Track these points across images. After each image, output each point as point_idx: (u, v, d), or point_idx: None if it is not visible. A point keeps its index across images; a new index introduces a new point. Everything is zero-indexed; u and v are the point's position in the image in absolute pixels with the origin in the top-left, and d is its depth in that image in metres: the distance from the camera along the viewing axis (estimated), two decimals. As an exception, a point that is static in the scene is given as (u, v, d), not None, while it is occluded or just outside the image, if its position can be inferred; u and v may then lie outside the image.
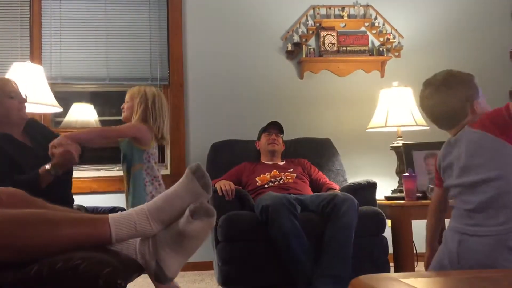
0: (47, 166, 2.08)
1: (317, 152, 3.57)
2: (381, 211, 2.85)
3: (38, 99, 3.06)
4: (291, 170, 3.23)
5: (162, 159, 3.89)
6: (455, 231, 1.58)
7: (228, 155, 3.47)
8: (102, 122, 4.04)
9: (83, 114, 4.04)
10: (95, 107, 4.06)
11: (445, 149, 1.68)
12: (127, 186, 2.45)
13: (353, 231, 2.66)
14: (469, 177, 1.55)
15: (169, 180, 3.68)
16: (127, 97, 2.55)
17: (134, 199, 2.36)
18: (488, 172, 1.51)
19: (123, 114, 2.55)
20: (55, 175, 2.09)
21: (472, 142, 1.57)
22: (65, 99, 3.90)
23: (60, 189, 2.20)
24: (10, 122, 2.26)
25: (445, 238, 1.64)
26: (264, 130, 3.38)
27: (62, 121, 4.03)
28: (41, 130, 2.46)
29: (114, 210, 2.46)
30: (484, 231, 1.49)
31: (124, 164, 2.46)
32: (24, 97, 2.32)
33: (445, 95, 1.65)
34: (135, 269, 1.51)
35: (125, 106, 2.55)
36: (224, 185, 2.88)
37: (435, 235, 1.80)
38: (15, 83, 2.33)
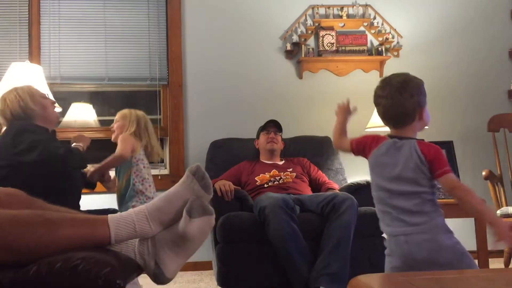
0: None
1: (316, 150, 3.56)
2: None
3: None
4: (291, 169, 3.23)
5: (161, 159, 3.89)
6: (396, 235, 1.72)
7: (227, 154, 3.47)
8: (101, 121, 4.03)
9: (82, 113, 4.04)
10: (94, 106, 4.06)
11: (387, 149, 1.78)
12: (120, 190, 2.68)
13: (352, 230, 2.65)
14: (401, 186, 1.71)
15: (168, 180, 3.71)
16: (117, 117, 2.79)
17: (129, 200, 2.61)
18: (417, 187, 1.71)
19: (113, 135, 2.76)
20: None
21: (413, 158, 1.72)
22: (64, 99, 3.90)
23: (77, 195, 2.48)
24: (47, 119, 2.43)
25: (389, 246, 1.76)
26: (262, 128, 3.38)
27: (61, 120, 4.03)
28: None
29: (107, 211, 2.49)
30: (422, 229, 1.69)
31: (116, 173, 2.72)
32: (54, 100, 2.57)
33: (402, 98, 1.77)
34: (134, 270, 1.51)
35: (115, 125, 2.76)
36: (223, 185, 2.88)
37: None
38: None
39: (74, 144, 2.45)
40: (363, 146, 1.88)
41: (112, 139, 2.77)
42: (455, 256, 1.69)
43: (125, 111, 2.82)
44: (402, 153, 1.75)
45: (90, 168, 2.59)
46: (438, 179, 1.72)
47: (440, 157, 1.72)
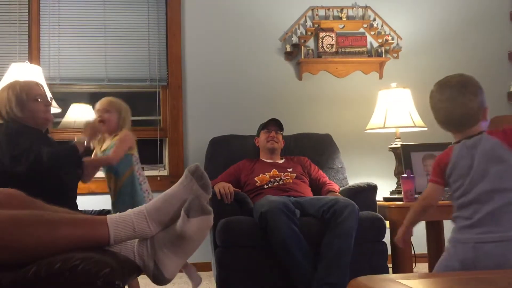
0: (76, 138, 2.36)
1: (317, 149, 3.52)
2: (381, 216, 2.83)
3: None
4: (291, 169, 3.21)
5: (160, 160, 3.89)
6: (465, 242, 1.62)
7: (227, 152, 3.45)
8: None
9: (82, 114, 4.04)
10: (93, 107, 4.06)
11: (461, 151, 1.69)
12: (116, 190, 2.55)
13: (353, 238, 2.61)
14: (481, 187, 1.60)
15: (168, 180, 3.71)
16: (105, 105, 2.63)
17: (135, 201, 2.47)
18: (500, 182, 1.57)
19: (104, 126, 2.56)
20: (82, 143, 2.34)
21: (488, 150, 1.63)
22: (64, 99, 3.89)
23: (66, 199, 2.36)
24: (36, 123, 2.37)
25: (453, 248, 1.66)
26: (263, 127, 3.36)
27: (60, 121, 4.03)
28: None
29: (102, 212, 2.50)
30: (498, 237, 1.55)
31: (111, 170, 2.56)
32: (49, 99, 2.46)
33: (466, 99, 1.69)
34: (133, 270, 1.51)
35: (105, 116, 2.60)
36: (223, 187, 2.86)
37: (417, 222, 1.85)
38: (41, 86, 2.45)
39: (76, 140, 2.35)
40: (439, 167, 1.76)
41: (102, 131, 2.54)
42: None
43: (111, 98, 2.67)
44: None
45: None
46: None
47: None
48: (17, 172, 2.15)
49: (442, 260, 1.70)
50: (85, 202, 2.60)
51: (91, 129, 2.41)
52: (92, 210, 2.60)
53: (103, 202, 2.90)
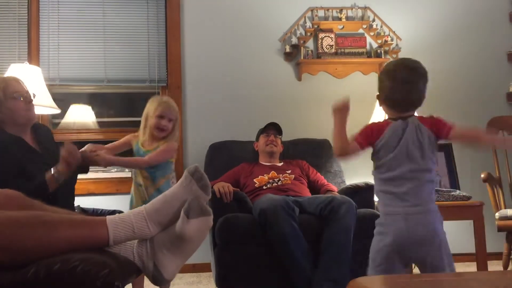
0: (52, 171, 2.09)
1: (315, 153, 3.56)
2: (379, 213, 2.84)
3: (36, 100, 3.05)
4: (289, 171, 3.23)
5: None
6: (395, 214, 1.76)
7: (226, 156, 3.47)
8: (100, 123, 4.03)
9: (81, 115, 4.04)
10: (93, 108, 4.06)
11: (396, 130, 1.81)
12: (148, 193, 2.50)
13: (351, 234, 2.65)
14: (406, 165, 1.76)
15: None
16: (175, 113, 2.60)
17: None
18: (425, 163, 1.77)
19: (163, 133, 2.56)
20: (58, 179, 2.08)
21: (418, 135, 1.79)
22: (63, 100, 3.90)
23: (63, 200, 2.19)
24: (16, 123, 2.18)
25: (385, 223, 1.81)
26: (262, 131, 3.38)
27: (60, 122, 4.03)
28: (46, 134, 2.42)
29: (113, 213, 2.47)
30: (422, 209, 1.74)
31: (151, 173, 2.51)
32: (31, 96, 2.25)
33: (422, 85, 1.85)
34: (133, 271, 1.51)
35: (169, 126, 2.57)
36: (222, 187, 2.88)
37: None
38: (20, 82, 2.25)
39: (52, 175, 2.08)
40: (370, 133, 1.87)
41: (159, 136, 2.55)
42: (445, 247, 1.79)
43: (176, 106, 2.63)
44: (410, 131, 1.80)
45: (100, 152, 2.33)
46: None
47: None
48: None
49: (376, 238, 1.82)
50: (82, 204, 2.60)
51: (66, 164, 2.11)
52: (101, 210, 2.55)
53: (100, 204, 2.89)
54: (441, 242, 1.75)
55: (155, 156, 2.49)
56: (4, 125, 2.16)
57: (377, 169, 1.85)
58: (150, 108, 2.60)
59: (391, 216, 1.78)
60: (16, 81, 2.23)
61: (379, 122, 1.87)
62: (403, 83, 1.81)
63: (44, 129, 2.46)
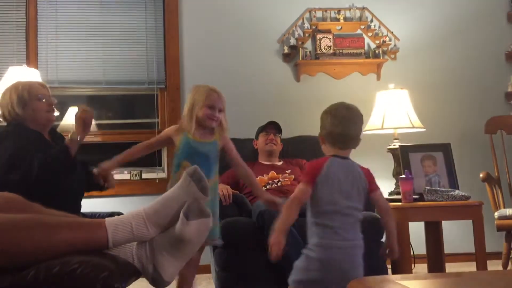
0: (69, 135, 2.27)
1: (315, 151, 3.53)
2: (379, 216, 2.84)
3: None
4: (289, 171, 3.22)
5: (159, 163, 3.89)
6: (329, 247, 1.87)
7: (225, 156, 3.45)
8: (99, 125, 4.03)
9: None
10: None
11: (337, 166, 1.94)
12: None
13: None
14: (347, 202, 1.89)
15: (166, 183, 3.69)
16: (224, 104, 2.50)
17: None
18: (358, 203, 1.92)
19: (215, 123, 2.43)
20: (75, 141, 2.23)
21: (356, 175, 1.95)
22: (61, 102, 3.88)
23: (73, 199, 2.41)
24: (38, 123, 2.37)
25: (314, 252, 1.91)
26: (262, 129, 3.38)
27: (58, 125, 4.02)
28: (59, 141, 2.52)
29: (112, 215, 2.47)
30: (349, 244, 1.87)
31: (214, 171, 2.41)
32: (53, 101, 2.45)
33: (359, 123, 2.01)
34: (132, 273, 1.51)
35: (221, 117, 2.48)
36: (221, 189, 2.87)
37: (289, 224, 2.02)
38: (45, 87, 2.46)
39: (69, 138, 2.25)
40: (312, 171, 1.95)
41: (211, 126, 2.41)
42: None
43: (222, 94, 2.49)
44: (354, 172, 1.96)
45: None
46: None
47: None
48: (11, 181, 2.12)
49: (302, 265, 1.92)
50: (82, 206, 2.60)
51: (82, 122, 2.24)
52: (99, 213, 2.58)
53: (100, 206, 2.89)
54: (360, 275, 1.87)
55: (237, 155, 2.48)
56: (26, 122, 2.35)
57: (313, 203, 1.94)
58: (198, 97, 2.40)
59: (323, 248, 1.88)
60: (41, 85, 2.45)
61: (317, 160, 1.98)
62: (343, 119, 1.97)
63: (59, 135, 2.61)
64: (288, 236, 2.59)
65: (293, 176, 3.19)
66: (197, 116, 2.36)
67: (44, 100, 2.38)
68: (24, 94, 2.34)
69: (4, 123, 2.42)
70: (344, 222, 1.87)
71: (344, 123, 1.96)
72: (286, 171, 3.22)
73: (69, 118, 4.01)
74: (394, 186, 3.37)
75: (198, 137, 2.37)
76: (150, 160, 3.86)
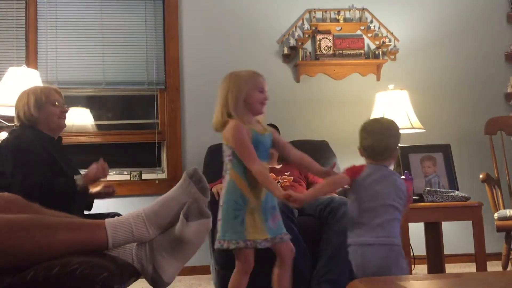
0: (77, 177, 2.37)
1: (313, 155, 3.52)
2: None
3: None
4: (288, 173, 3.22)
5: (158, 163, 3.89)
6: (360, 244, 1.94)
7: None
8: (99, 126, 4.03)
9: (79, 118, 4.03)
10: (91, 111, 4.06)
11: (372, 169, 2.03)
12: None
13: None
14: (382, 200, 1.96)
15: (166, 184, 3.70)
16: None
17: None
18: (391, 201, 1.97)
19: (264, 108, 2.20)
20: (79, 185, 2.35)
21: (392, 181, 2.02)
22: (61, 103, 3.88)
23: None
24: (49, 127, 2.49)
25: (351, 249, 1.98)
26: (260, 133, 3.37)
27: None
28: (65, 148, 2.71)
29: (108, 215, 2.50)
30: (387, 241, 1.92)
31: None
32: (66, 108, 2.57)
33: (391, 137, 2.12)
34: (132, 274, 1.51)
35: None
36: (221, 189, 2.87)
37: None
38: (59, 93, 2.59)
39: (77, 178, 2.37)
40: (353, 170, 2.05)
41: (262, 112, 2.19)
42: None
43: None
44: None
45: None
46: None
47: None
48: (17, 182, 2.22)
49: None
50: (96, 205, 2.64)
51: (94, 179, 2.41)
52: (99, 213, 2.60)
53: (100, 207, 2.89)
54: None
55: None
56: (39, 125, 2.47)
57: (352, 202, 2.03)
58: (245, 83, 2.16)
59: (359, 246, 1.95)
60: (56, 91, 2.58)
61: (360, 165, 2.07)
62: (373, 133, 2.08)
63: (64, 146, 2.75)
64: (295, 243, 2.61)
65: (292, 177, 3.19)
66: (250, 104, 2.12)
67: (58, 106, 2.51)
68: (42, 97, 2.47)
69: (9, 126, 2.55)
70: (382, 219, 1.93)
71: (374, 136, 2.07)
72: (285, 173, 3.22)
73: (69, 119, 4.00)
74: (394, 187, 3.37)
75: (259, 130, 2.15)
76: (150, 160, 3.86)
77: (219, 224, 2.05)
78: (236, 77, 2.19)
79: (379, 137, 2.06)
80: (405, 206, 2.04)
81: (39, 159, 2.30)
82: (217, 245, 2.05)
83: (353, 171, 2.03)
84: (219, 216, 2.06)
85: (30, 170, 2.24)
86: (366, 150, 2.08)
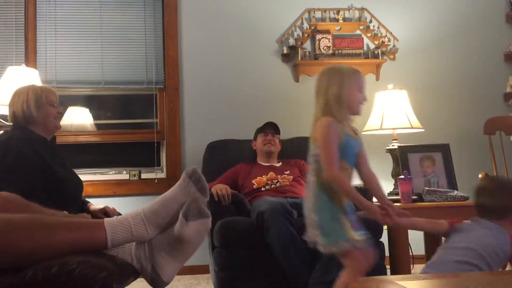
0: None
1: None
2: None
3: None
4: (288, 172, 3.22)
5: (158, 163, 3.88)
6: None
7: (224, 156, 3.45)
8: (98, 125, 4.03)
9: (79, 117, 4.03)
10: (90, 110, 4.05)
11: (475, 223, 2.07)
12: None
13: None
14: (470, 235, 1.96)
15: (165, 183, 3.70)
16: None
17: None
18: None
19: None
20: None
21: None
22: (60, 102, 3.87)
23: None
24: (45, 127, 2.46)
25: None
26: (260, 130, 3.37)
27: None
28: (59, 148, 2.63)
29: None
30: None
31: None
32: (62, 109, 2.58)
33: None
34: (131, 274, 1.51)
35: None
36: (220, 189, 2.87)
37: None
38: (56, 95, 2.57)
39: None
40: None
41: (360, 115, 2.06)
42: None
43: None
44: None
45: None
46: None
47: None
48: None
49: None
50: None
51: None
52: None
53: (100, 205, 2.88)
54: None
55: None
56: (35, 125, 2.42)
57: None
58: (347, 80, 1.99)
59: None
60: (54, 92, 2.56)
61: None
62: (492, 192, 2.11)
63: (58, 145, 2.71)
64: (287, 233, 2.60)
65: (292, 176, 3.19)
66: (348, 103, 1.97)
67: (56, 107, 2.50)
68: (42, 96, 2.44)
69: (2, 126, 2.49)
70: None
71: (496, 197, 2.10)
72: (285, 172, 3.22)
73: (68, 118, 4.00)
74: (393, 187, 3.37)
75: (352, 133, 2.02)
76: (149, 160, 3.86)
77: (317, 229, 2.00)
78: (337, 72, 2.00)
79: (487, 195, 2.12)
80: (500, 265, 1.91)
81: (27, 165, 2.22)
82: (324, 250, 1.97)
83: (454, 222, 2.06)
84: (316, 219, 2.02)
85: (17, 177, 2.17)
86: (485, 209, 2.11)
